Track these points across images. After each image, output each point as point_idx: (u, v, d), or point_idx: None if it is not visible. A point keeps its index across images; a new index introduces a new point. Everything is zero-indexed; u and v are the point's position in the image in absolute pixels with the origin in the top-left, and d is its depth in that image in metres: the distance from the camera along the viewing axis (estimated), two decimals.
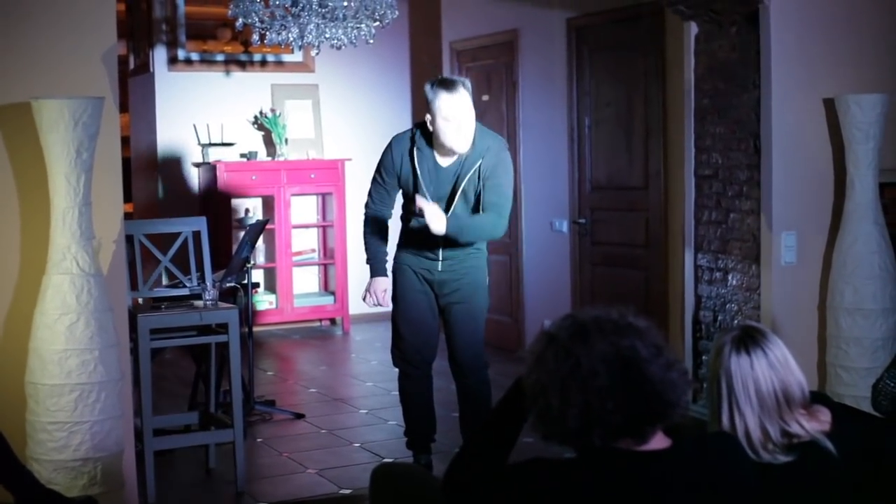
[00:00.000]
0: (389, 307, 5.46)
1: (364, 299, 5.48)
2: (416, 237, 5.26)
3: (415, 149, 5.20)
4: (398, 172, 5.25)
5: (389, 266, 5.44)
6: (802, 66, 5.80)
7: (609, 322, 2.36)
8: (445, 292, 5.31)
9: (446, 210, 5.13)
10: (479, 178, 5.17)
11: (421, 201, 5.00)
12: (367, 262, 5.44)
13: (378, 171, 5.36)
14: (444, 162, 5.20)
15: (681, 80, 6.56)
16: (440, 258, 5.26)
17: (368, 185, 5.45)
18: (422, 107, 10.33)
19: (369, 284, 5.41)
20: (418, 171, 5.17)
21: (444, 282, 5.30)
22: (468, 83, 5.18)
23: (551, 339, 2.38)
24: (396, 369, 5.56)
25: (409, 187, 5.24)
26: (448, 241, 5.19)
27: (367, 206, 5.44)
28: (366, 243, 5.44)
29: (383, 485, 3.37)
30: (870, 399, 4.02)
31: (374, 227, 5.40)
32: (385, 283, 5.40)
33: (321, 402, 7.34)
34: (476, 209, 5.19)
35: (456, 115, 5.06)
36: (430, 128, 5.13)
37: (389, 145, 5.33)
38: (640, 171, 7.40)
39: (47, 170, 4.32)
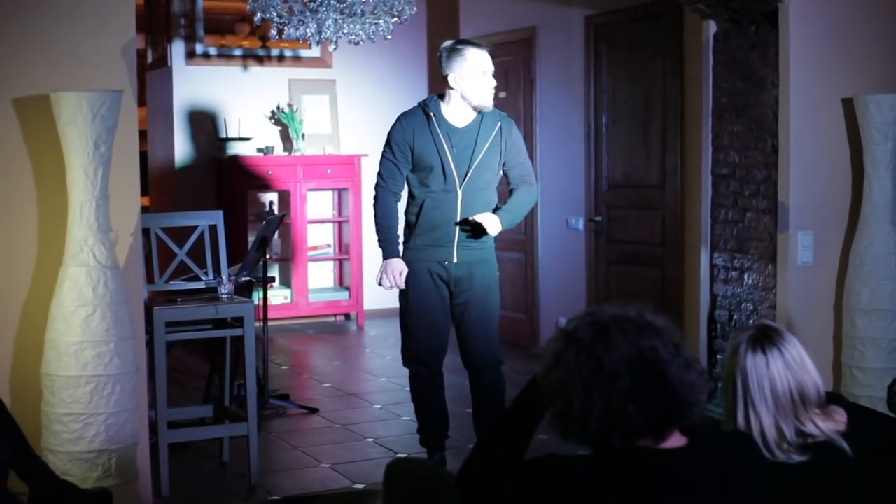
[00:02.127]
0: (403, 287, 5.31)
1: (380, 283, 5.33)
2: (428, 226, 5.21)
3: (430, 115, 5.20)
4: (411, 145, 5.20)
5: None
6: (821, 66, 5.78)
7: (629, 321, 2.35)
8: (460, 290, 5.26)
9: (463, 179, 5.16)
10: (501, 145, 5.23)
11: (477, 218, 5.11)
12: (380, 244, 5.30)
13: (388, 147, 5.28)
14: (459, 123, 5.22)
15: (699, 79, 6.55)
16: (455, 246, 5.21)
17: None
18: None
19: (385, 266, 5.28)
20: (439, 134, 5.15)
21: (459, 279, 5.25)
22: None
23: (571, 339, 2.36)
24: (406, 369, 5.51)
25: (427, 158, 5.18)
26: (463, 229, 5.18)
27: (377, 185, 5.35)
28: (378, 224, 5.32)
29: (397, 480, 3.37)
30: (885, 400, 4.01)
31: (386, 207, 5.31)
32: (401, 265, 5.25)
33: (335, 397, 7.35)
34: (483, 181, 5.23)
35: (490, 68, 5.19)
36: (455, 88, 5.17)
37: (399, 121, 5.30)
38: (657, 170, 7.39)
39: (65, 162, 4.34)
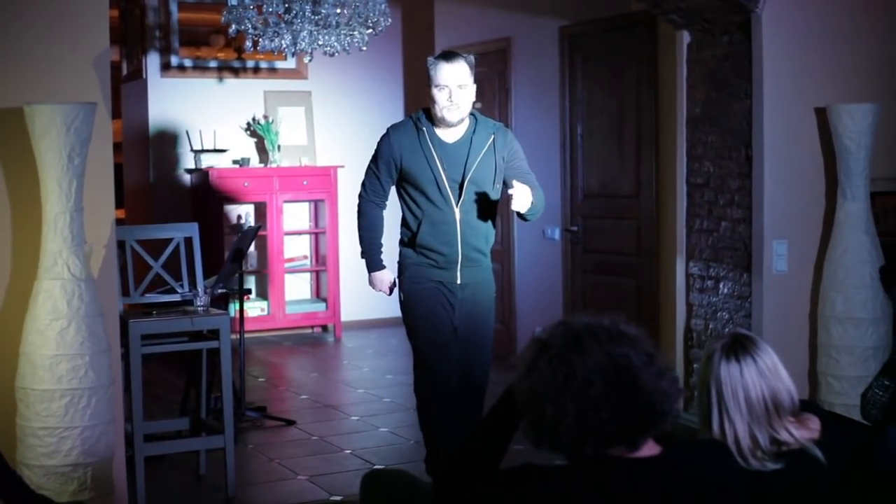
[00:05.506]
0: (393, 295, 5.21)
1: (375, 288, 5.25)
2: (429, 248, 5.03)
3: (420, 130, 5.03)
4: (398, 161, 5.04)
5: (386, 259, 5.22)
6: (794, 76, 5.82)
7: (602, 330, 2.36)
8: (463, 311, 5.09)
9: (458, 196, 4.99)
10: (495, 157, 5.05)
11: (514, 187, 4.85)
12: (363, 255, 5.19)
13: (374, 160, 5.13)
14: (449, 138, 5.05)
15: (673, 89, 6.58)
16: (459, 267, 5.04)
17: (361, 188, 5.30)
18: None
19: (371, 280, 5.20)
20: (432, 150, 4.99)
21: (463, 300, 5.08)
22: (471, 58, 5.08)
23: (544, 347, 2.37)
24: (415, 395, 5.21)
25: (419, 176, 5.01)
26: (467, 247, 5.03)
27: (360, 195, 5.23)
28: (361, 236, 5.20)
29: (373, 491, 3.37)
30: (859, 407, 4.03)
31: (369, 218, 5.17)
32: (387, 276, 5.17)
33: (312, 409, 7.34)
34: (481, 197, 5.06)
35: (449, 82, 4.96)
36: (429, 101, 5.03)
37: (387, 134, 5.13)
38: (632, 180, 7.42)
39: (39, 175, 4.31)
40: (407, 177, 5.06)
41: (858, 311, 5.62)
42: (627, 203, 7.47)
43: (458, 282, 5.08)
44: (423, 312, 5.08)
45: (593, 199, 7.87)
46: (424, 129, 5.04)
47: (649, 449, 2.38)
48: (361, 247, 5.22)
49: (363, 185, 5.22)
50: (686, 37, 6.32)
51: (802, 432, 2.88)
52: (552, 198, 8.17)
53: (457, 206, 5.02)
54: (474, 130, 5.08)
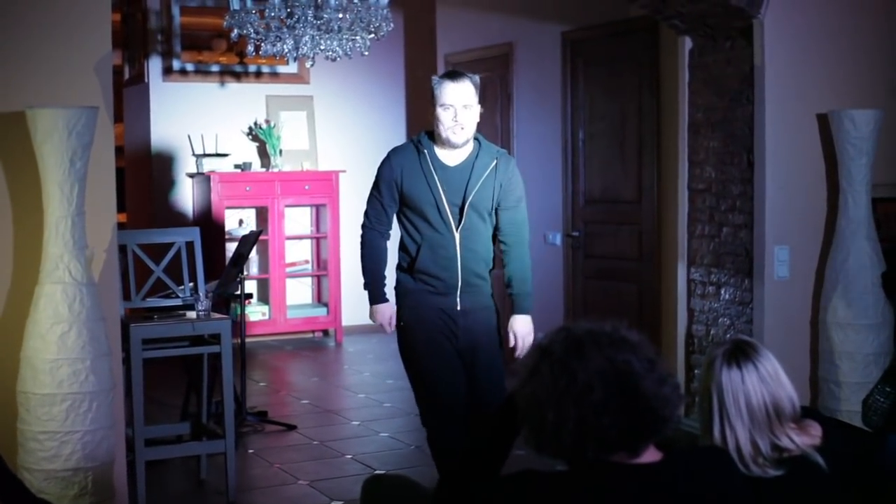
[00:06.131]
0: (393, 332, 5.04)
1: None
2: (428, 272, 4.87)
3: (421, 152, 4.87)
4: (399, 185, 4.88)
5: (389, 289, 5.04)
6: (796, 81, 5.82)
7: (603, 336, 2.35)
8: (467, 337, 4.92)
9: (458, 221, 4.84)
10: (495, 182, 4.88)
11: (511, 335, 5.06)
12: (366, 287, 5.00)
13: (375, 186, 4.97)
14: (450, 161, 4.89)
15: (675, 94, 6.58)
16: (458, 293, 4.89)
17: (363, 197, 5.09)
18: (416, 119, 10.29)
19: (372, 313, 5.00)
20: (432, 173, 4.82)
21: (466, 328, 4.91)
22: (476, 78, 4.93)
23: (545, 353, 2.37)
24: (425, 427, 5.00)
25: (419, 199, 4.86)
26: (466, 271, 4.88)
27: (363, 225, 5.05)
28: (364, 267, 5.01)
29: (374, 496, 3.37)
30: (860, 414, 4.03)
31: (373, 249, 4.99)
32: (389, 310, 4.96)
33: (313, 414, 7.33)
34: (479, 223, 4.91)
35: (455, 102, 4.80)
36: (433, 121, 4.87)
37: (388, 157, 4.97)
38: (634, 185, 7.41)
39: (41, 179, 4.32)
40: (407, 200, 4.91)
41: (860, 317, 5.62)
42: (629, 208, 7.47)
43: (458, 308, 4.91)
44: (425, 341, 4.90)
45: (595, 205, 7.87)
46: (426, 151, 4.89)
47: (650, 455, 2.37)
48: (364, 278, 5.01)
49: (366, 213, 5.03)
50: (688, 42, 6.32)
51: (804, 438, 2.88)
52: (554, 203, 8.19)
53: (457, 230, 4.87)
54: (477, 155, 4.91)
